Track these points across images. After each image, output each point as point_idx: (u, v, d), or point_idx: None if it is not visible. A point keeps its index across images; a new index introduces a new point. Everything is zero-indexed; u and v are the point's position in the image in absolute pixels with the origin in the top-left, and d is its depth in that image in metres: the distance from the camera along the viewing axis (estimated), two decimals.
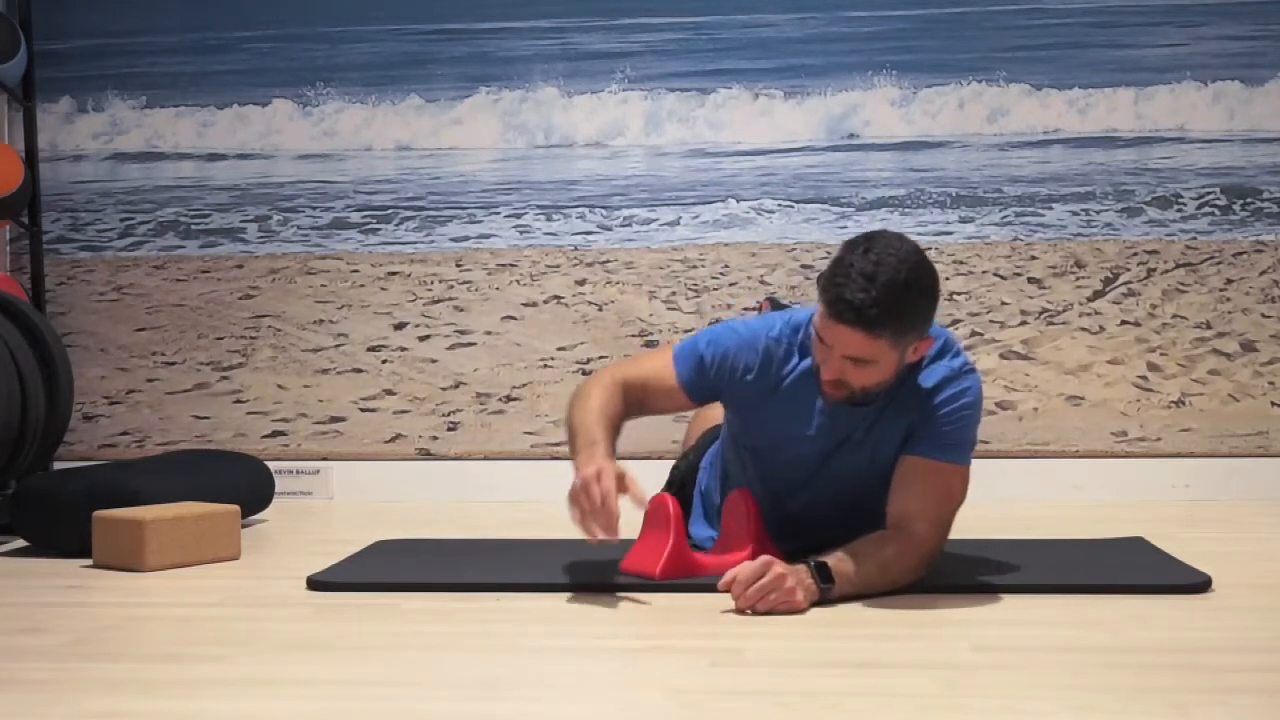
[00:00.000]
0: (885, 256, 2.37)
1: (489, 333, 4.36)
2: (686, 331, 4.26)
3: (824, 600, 2.43)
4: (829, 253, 4.24)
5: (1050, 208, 4.23)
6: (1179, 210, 4.20)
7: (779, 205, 4.30)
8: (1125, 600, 2.49)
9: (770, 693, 1.91)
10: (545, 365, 4.32)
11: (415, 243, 4.40)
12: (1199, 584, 2.59)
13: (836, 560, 2.45)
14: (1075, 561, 2.88)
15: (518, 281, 4.36)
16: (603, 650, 2.21)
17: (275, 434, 4.38)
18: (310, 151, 4.46)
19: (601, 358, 4.29)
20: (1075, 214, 4.22)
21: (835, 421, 2.60)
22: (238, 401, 4.41)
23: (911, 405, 2.57)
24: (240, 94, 4.48)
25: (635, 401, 2.67)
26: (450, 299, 4.38)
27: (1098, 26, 4.24)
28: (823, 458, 2.65)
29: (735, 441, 2.79)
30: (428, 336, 4.38)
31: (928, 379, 2.57)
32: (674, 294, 4.30)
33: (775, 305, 4.10)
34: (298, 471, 4.30)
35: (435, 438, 4.32)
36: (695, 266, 4.31)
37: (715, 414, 3.73)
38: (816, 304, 2.47)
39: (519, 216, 4.38)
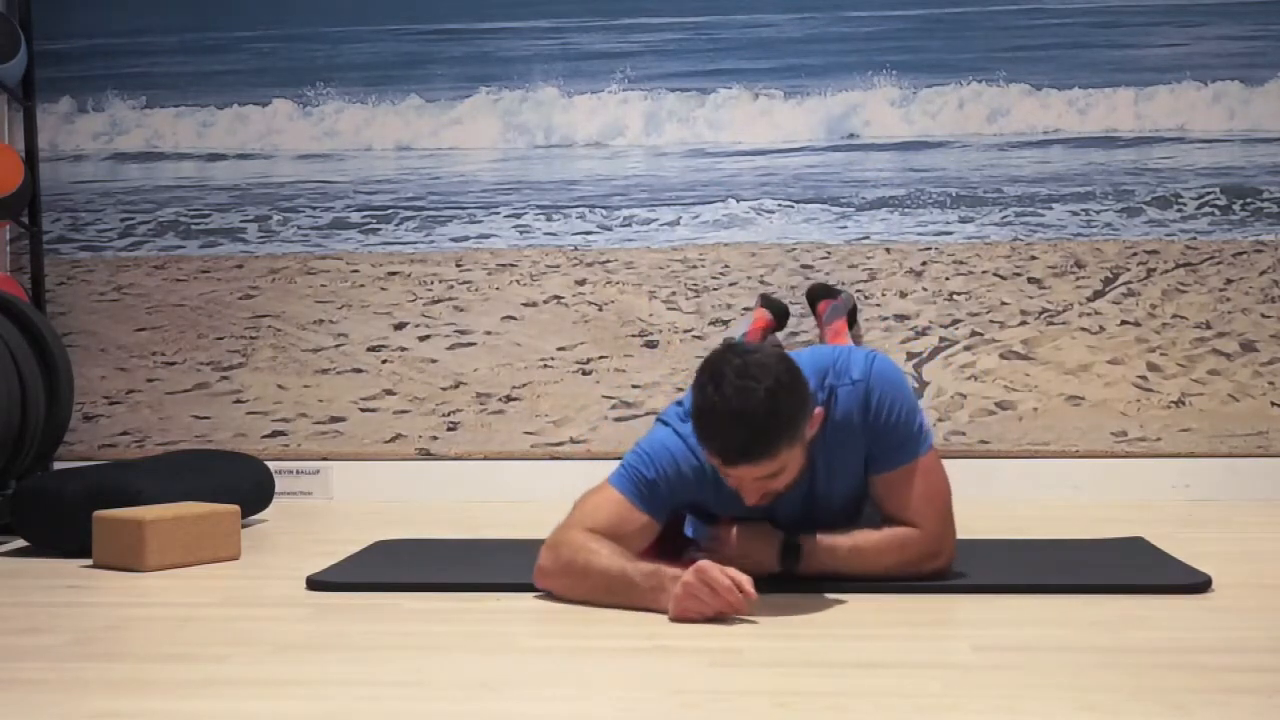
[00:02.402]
0: (740, 386, 2.34)
1: (489, 333, 4.36)
2: (687, 331, 4.27)
3: (789, 572, 2.56)
4: (829, 253, 4.26)
5: (1050, 208, 4.23)
6: (1179, 210, 4.20)
7: (779, 205, 4.30)
8: (1125, 600, 2.49)
9: (770, 693, 1.91)
10: (545, 365, 4.32)
11: (415, 243, 4.40)
12: (1199, 584, 2.59)
13: (814, 538, 2.58)
14: (1075, 561, 2.88)
15: (518, 281, 4.36)
16: (603, 650, 2.21)
17: (275, 434, 4.38)
18: (310, 151, 4.46)
19: (601, 358, 4.29)
20: (1075, 214, 4.22)
21: (791, 490, 2.59)
22: (238, 401, 4.41)
23: (850, 434, 2.58)
24: (240, 94, 4.48)
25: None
26: (450, 299, 4.38)
27: (1098, 26, 4.24)
28: (803, 509, 2.64)
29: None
30: (428, 336, 4.38)
31: (846, 407, 2.57)
32: (674, 294, 4.30)
33: (768, 303, 4.10)
34: (298, 471, 4.30)
35: (435, 438, 4.32)
36: (695, 266, 4.30)
37: None
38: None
39: (519, 216, 4.38)
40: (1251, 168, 4.18)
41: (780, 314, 4.10)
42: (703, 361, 2.44)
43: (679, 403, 2.67)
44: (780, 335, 4.19)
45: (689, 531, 2.89)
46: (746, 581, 2.34)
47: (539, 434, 4.29)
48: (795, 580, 2.58)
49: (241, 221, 4.46)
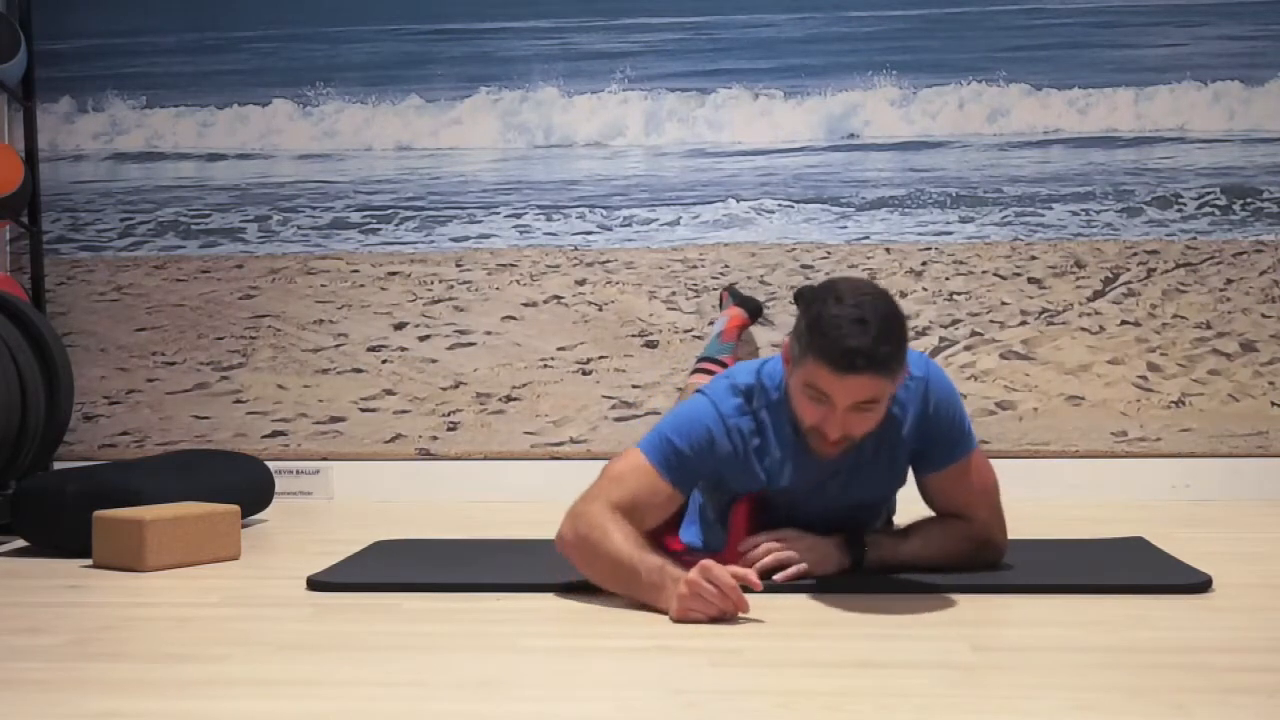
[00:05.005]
0: (862, 300, 2.37)
1: (489, 333, 4.36)
2: (687, 331, 4.27)
3: (857, 566, 2.62)
4: (829, 253, 4.26)
5: (1050, 208, 4.23)
6: (1179, 210, 4.20)
7: (779, 205, 4.30)
8: (1125, 600, 2.49)
9: (770, 693, 1.91)
10: (545, 365, 4.32)
11: (415, 243, 4.40)
12: (1199, 584, 2.59)
13: (877, 533, 2.68)
14: (1075, 561, 2.88)
15: (518, 281, 4.36)
16: (603, 650, 2.21)
17: (275, 434, 4.38)
18: (310, 151, 4.47)
19: (601, 358, 4.29)
20: (1075, 214, 4.22)
21: (820, 467, 2.59)
22: (238, 401, 4.41)
23: (898, 430, 2.59)
24: (240, 94, 4.48)
25: (634, 522, 2.55)
26: (450, 299, 4.38)
27: (1098, 26, 4.24)
28: (816, 494, 2.65)
29: (718, 494, 2.75)
30: (428, 336, 4.38)
31: (902, 401, 2.59)
32: (674, 294, 4.30)
33: (741, 301, 4.09)
34: (298, 471, 4.30)
35: (435, 438, 4.32)
36: (695, 266, 4.31)
37: None
38: (796, 369, 2.43)
39: (519, 216, 4.38)
40: (1251, 168, 4.18)
41: (754, 311, 4.09)
42: (807, 288, 2.48)
43: (727, 376, 2.66)
44: (771, 338, 4.20)
45: (685, 538, 2.89)
46: (751, 576, 2.35)
47: (539, 434, 4.29)
48: (856, 573, 2.62)
49: (241, 221, 4.46)
